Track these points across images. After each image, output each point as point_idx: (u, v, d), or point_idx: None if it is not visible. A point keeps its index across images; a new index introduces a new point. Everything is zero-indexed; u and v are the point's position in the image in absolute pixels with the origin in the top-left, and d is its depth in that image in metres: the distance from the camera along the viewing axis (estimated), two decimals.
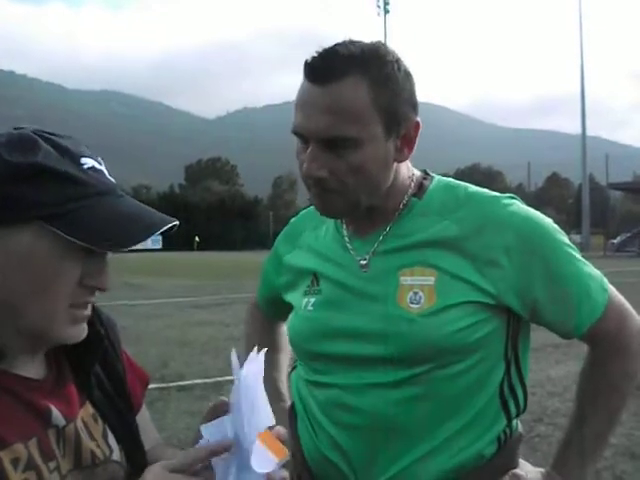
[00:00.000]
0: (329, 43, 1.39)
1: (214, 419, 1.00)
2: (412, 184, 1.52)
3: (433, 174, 1.59)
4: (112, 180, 1.09)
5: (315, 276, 1.57)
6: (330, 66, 1.34)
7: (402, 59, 1.43)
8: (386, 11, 70.62)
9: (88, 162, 1.06)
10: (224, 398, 1.04)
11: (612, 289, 1.50)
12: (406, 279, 1.44)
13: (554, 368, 8.06)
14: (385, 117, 1.37)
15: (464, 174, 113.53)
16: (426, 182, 1.54)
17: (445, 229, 1.44)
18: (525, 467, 1.55)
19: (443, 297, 1.41)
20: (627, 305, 1.51)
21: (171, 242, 61.36)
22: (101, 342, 1.17)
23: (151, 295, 17.74)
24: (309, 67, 1.37)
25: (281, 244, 1.74)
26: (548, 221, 1.48)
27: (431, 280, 1.42)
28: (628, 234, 56.17)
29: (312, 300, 1.55)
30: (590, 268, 1.48)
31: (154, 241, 61.99)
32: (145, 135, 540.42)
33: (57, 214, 0.99)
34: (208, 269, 29.77)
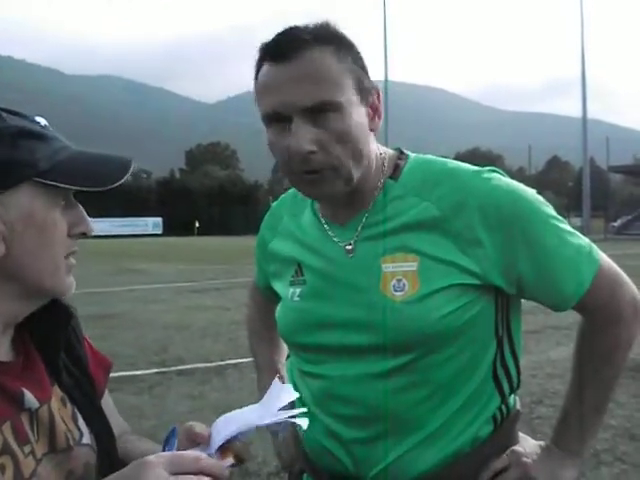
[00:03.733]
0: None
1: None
2: (385, 164, 1.49)
3: (408, 152, 1.55)
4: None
5: (299, 266, 1.55)
6: (291, 40, 1.34)
7: None
8: None
9: (42, 120, 1.11)
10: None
11: (603, 258, 1.46)
12: (388, 266, 1.42)
13: (555, 350, 8.07)
14: (354, 82, 1.37)
15: (464, 158, 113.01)
16: (401, 162, 1.50)
17: (424, 211, 1.41)
18: (525, 442, 1.55)
19: (427, 283, 1.39)
20: (620, 273, 1.48)
21: (171, 227, 61.38)
22: (69, 320, 1.18)
23: (151, 280, 17.75)
24: (272, 47, 1.36)
25: (265, 230, 1.72)
26: (530, 193, 1.44)
27: (414, 266, 1.40)
28: (629, 217, 56.11)
29: (298, 290, 1.54)
30: (577, 238, 1.44)
31: (155, 226, 62.03)
32: (145, 120, 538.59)
33: (47, 169, 1.03)
34: (208, 254, 29.76)
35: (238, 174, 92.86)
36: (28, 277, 1.05)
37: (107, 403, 1.30)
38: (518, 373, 1.55)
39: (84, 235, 1.12)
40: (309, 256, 1.54)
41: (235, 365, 7.62)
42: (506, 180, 1.45)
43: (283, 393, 1.06)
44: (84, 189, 1.05)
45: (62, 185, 1.04)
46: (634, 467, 4.55)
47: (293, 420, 1.01)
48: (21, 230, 1.03)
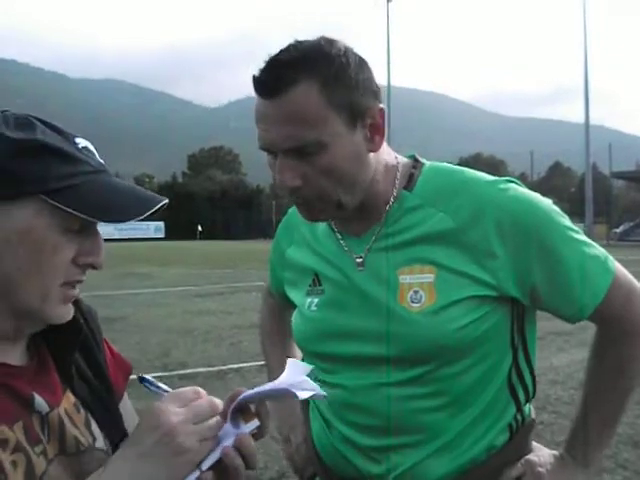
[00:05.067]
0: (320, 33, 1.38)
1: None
2: (398, 174, 1.47)
3: (423, 160, 1.53)
4: (102, 162, 1.11)
5: (316, 276, 1.55)
6: (276, 78, 1.31)
7: (350, 48, 1.38)
8: None
9: (82, 142, 1.08)
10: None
11: (619, 269, 1.45)
12: (405, 277, 1.42)
13: (557, 356, 8.07)
14: (344, 113, 1.33)
15: (467, 163, 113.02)
16: (415, 171, 1.49)
17: (440, 222, 1.41)
18: (539, 451, 1.55)
19: (444, 294, 1.39)
20: (635, 283, 1.46)
21: (174, 231, 61.40)
22: (80, 330, 1.16)
23: (154, 284, 17.76)
24: (257, 83, 1.34)
25: (282, 236, 1.72)
26: (546, 203, 1.44)
27: (430, 277, 1.40)
28: (631, 223, 56.05)
29: (315, 300, 1.54)
30: (592, 249, 1.43)
31: (157, 230, 62.08)
32: (148, 124, 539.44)
33: (58, 189, 1.00)
34: (211, 258, 29.77)
35: (241, 178, 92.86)
36: (15, 295, 1.02)
37: (125, 407, 1.30)
38: (533, 381, 1.55)
39: (92, 267, 1.09)
40: (325, 267, 1.54)
41: (237, 370, 7.62)
42: (522, 190, 1.44)
43: (299, 367, 1.06)
44: (87, 218, 1.01)
45: (65, 208, 1.00)
46: (636, 474, 4.54)
47: (311, 390, 1.00)
48: (16, 244, 1.00)
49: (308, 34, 1.38)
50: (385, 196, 1.46)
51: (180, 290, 16.23)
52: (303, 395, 0.98)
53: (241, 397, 0.98)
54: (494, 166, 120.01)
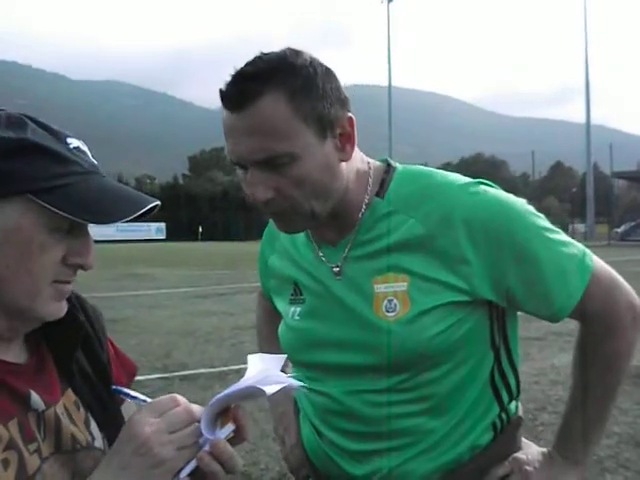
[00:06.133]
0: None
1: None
2: (370, 180, 1.46)
3: (396, 164, 1.51)
4: (95, 162, 1.10)
5: (296, 285, 1.55)
6: (242, 90, 1.29)
7: (316, 58, 1.36)
8: None
9: (73, 142, 1.07)
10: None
11: (599, 265, 1.43)
12: (380, 287, 1.41)
13: (557, 356, 8.05)
14: (313, 124, 1.31)
15: (468, 163, 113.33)
16: (387, 176, 1.47)
17: (411, 228, 1.39)
18: (529, 449, 1.54)
19: (417, 302, 1.38)
20: (617, 280, 1.44)
21: (175, 232, 61.42)
22: (80, 329, 1.17)
23: (155, 285, 17.75)
24: (223, 96, 1.32)
25: (265, 245, 1.72)
26: (519, 204, 1.41)
27: (404, 286, 1.39)
28: (632, 223, 55.95)
29: (298, 309, 1.54)
30: (569, 248, 1.41)
31: (158, 231, 62.11)
32: (149, 126, 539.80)
33: (46, 189, 1.00)
34: (211, 259, 29.77)
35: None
36: (5, 294, 1.02)
37: (129, 408, 1.31)
38: (517, 382, 1.54)
39: (81, 267, 1.08)
40: (304, 276, 1.54)
41: (238, 371, 7.61)
42: (494, 192, 1.42)
43: (266, 361, 1.05)
44: (74, 219, 1.01)
45: (52, 209, 1.00)
46: (638, 474, 4.53)
47: (281, 383, 0.99)
48: (3, 242, 1.00)
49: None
50: (358, 204, 1.44)
51: (181, 291, 16.22)
52: (271, 390, 0.96)
53: (211, 403, 0.98)
54: (495, 166, 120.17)
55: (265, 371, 1.01)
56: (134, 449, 0.94)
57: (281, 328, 1.62)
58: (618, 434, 5.12)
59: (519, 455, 1.49)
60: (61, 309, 1.09)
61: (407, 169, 1.49)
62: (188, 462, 0.96)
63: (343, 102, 1.37)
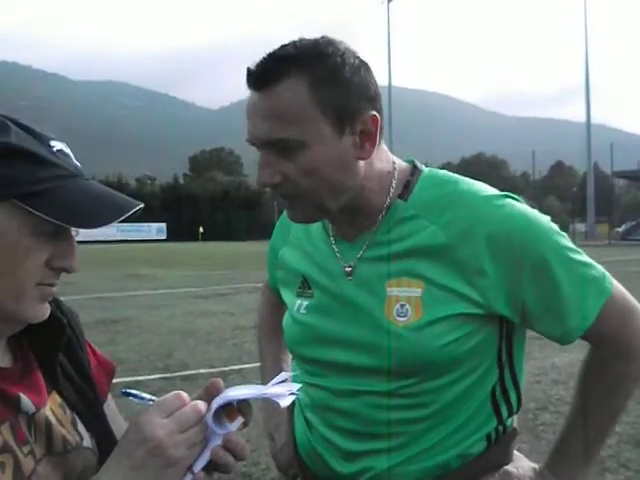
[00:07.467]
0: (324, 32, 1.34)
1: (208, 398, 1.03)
2: (394, 182, 1.43)
3: (422, 167, 1.48)
4: (79, 165, 1.11)
5: (305, 279, 1.54)
6: (266, 70, 1.29)
7: (353, 51, 1.34)
8: None
9: (57, 145, 1.07)
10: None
11: (617, 289, 1.41)
12: (393, 290, 1.39)
13: (559, 356, 8.04)
14: (332, 115, 1.29)
15: (468, 163, 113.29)
16: (412, 179, 1.44)
17: (432, 236, 1.37)
18: (519, 462, 1.52)
19: (430, 310, 1.36)
20: (633, 305, 1.42)
21: (175, 232, 61.41)
22: (63, 330, 1.17)
23: (155, 285, 17.74)
24: (248, 74, 1.32)
25: (276, 235, 1.71)
26: (544, 221, 1.39)
27: (418, 292, 1.37)
28: (633, 222, 55.97)
29: (305, 303, 1.53)
30: (589, 270, 1.38)
31: (159, 231, 62.11)
32: (150, 126, 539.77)
33: (29, 193, 1.00)
34: (212, 259, 29.76)
35: (242, 179, 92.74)
36: None
37: (110, 407, 1.31)
38: (518, 398, 1.53)
39: (65, 271, 1.09)
40: (315, 270, 1.53)
41: (239, 371, 7.61)
42: (519, 207, 1.39)
43: (285, 383, 1.06)
44: (58, 223, 1.01)
45: (36, 213, 1.00)
46: (638, 474, 4.52)
47: (292, 396, 1.02)
48: None
49: (309, 34, 1.36)
50: (379, 204, 1.42)
51: (182, 291, 16.20)
52: (285, 402, 1.01)
53: (218, 399, 1.00)
54: (496, 165, 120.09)
55: (284, 386, 1.04)
56: (147, 451, 0.95)
57: (286, 319, 1.61)
58: (619, 434, 5.11)
59: (510, 468, 1.48)
60: (45, 311, 1.09)
61: (433, 173, 1.47)
62: (198, 456, 0.99)
63: (371, 99, 1.34)
